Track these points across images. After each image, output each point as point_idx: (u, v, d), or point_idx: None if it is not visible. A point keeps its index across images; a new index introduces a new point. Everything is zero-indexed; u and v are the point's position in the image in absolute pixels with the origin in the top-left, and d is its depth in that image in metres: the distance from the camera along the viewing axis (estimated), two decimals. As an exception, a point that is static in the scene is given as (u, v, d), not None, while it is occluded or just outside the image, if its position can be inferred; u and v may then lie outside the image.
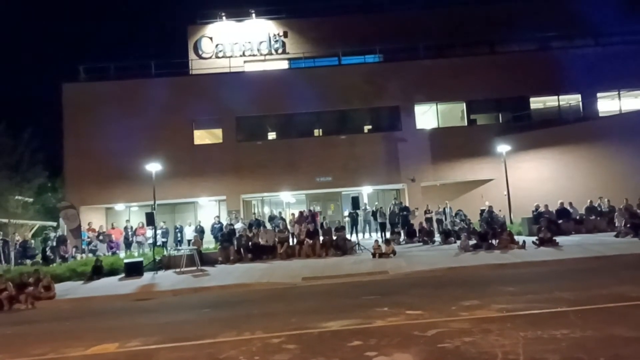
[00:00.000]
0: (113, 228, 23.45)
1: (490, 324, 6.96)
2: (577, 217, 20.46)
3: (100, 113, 24.96)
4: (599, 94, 26.42)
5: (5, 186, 21.54)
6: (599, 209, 20.77)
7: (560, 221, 19.98)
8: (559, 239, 17.17)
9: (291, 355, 6.31)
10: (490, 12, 29.40)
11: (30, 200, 24.33)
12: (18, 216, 23.82)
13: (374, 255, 16.71)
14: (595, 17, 25.91)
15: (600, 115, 25.82)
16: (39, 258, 20.25)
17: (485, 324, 6.98)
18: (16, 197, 23.44)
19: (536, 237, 17.30)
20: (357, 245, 18.75)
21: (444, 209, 22.88)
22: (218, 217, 23.29)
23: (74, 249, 21.21)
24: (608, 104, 26.45)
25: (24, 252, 20.49)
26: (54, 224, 25.77)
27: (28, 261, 19.71)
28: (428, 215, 22.32)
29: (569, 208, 20.83)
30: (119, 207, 26.57)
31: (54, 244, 20.76)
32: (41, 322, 11.27)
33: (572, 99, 26.59)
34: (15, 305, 13.38)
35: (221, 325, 8.52)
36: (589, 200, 20.86)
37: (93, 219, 24.53)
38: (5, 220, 22.72)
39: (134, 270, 16.57)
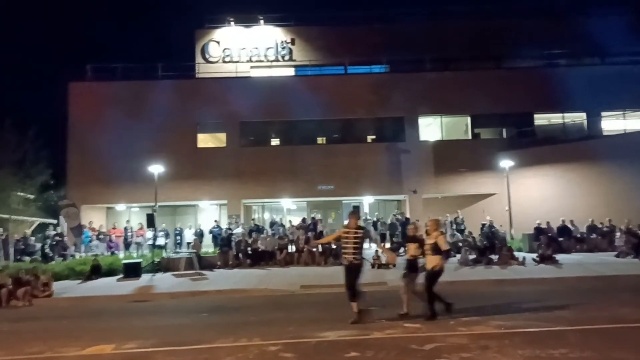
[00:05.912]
0: (114, 228, 23.43)
1: (489, 341, 6.91)
2: (578, 236, 20.40)
3: (105, 113, 24.96)
4: (603, 113, 26.45)
5: (8, 182, 21.54)
6: (601, 228, 20.69)
7: (561, 239, 19.94)
8: (559, 256, 17.13)
9: (288, 364, 6.29)
10: (497, 27, 29.40)
11: (32, 197, 24.32)
12: (19, 212, 23.82)
13: (372, 265, 16.68)
14: (603, 36, 25.92)
15: (605, 134, 25.81)
16: (38, 255, 20.21)
17: (484, 340, 6.94)
18: (18, 194, 23.43)
19: (536, 254, 17.26)
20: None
21: (445, 221, 22.82)
22: (217, 221, 23.26)
23: (73, 248, 21.19)
24: (613, 123, 26.44)
25: (24, 249, 20.46)
26: (54, 221, 25.75)
27: (27, 258, 19.66)
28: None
29: (570, 226, 20.77)
30: (120, 207, 26.56)
31: (54, 241, 20.74)
32: (38, 319, 11.25)
33: (577, 117, 26.59)
34: (12, 302, 13.38)
35: (218, 331, 8.49)
36: (590, 219, 20.83)
37: (94, 218, 24.51)
38: (6, 216, 22.69)
39: (132, 271, 16.57)
